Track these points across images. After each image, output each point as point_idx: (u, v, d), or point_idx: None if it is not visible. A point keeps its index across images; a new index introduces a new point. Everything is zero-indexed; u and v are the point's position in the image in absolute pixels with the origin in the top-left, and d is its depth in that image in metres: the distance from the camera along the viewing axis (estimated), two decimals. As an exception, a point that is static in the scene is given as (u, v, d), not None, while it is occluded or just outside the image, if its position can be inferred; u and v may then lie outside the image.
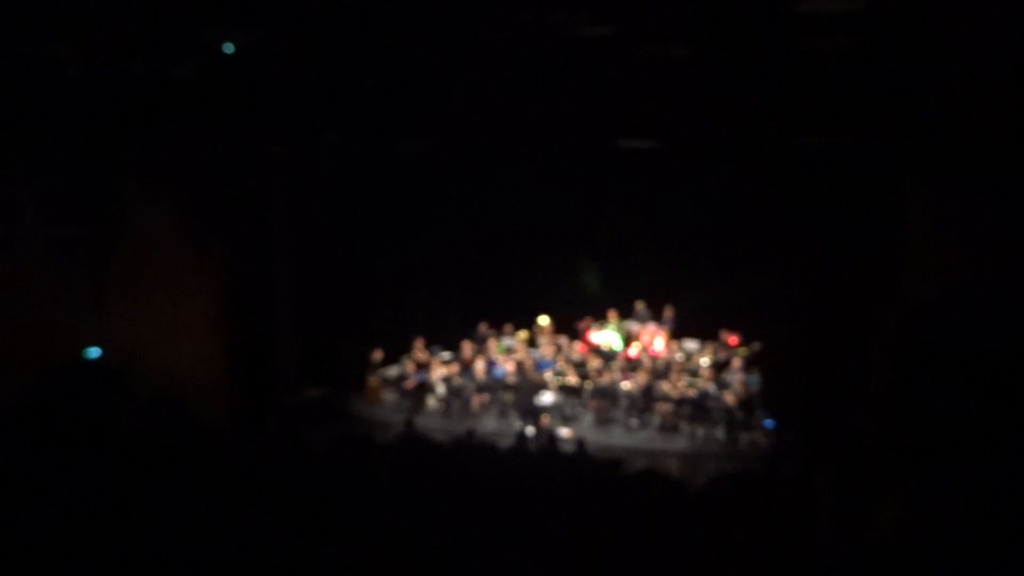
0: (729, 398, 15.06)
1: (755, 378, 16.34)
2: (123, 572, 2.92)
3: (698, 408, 15.25)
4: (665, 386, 15.91)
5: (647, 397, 15.82)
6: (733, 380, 16.08)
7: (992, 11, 8.53)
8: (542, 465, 6.77)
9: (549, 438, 12.03)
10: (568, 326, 20.50)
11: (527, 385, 15.45)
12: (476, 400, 16.45)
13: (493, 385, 16.62)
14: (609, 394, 16.05)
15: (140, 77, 11.17)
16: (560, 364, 17.35)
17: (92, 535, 2.85)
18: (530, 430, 14.90)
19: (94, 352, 11.96)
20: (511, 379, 16.28)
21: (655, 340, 20.29)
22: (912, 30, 9.38)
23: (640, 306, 20.75)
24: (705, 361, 17.50)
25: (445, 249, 20.65)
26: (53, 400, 3.25)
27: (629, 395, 15.98)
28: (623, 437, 15.42)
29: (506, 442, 13.43)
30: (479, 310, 21.07)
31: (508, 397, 16.22)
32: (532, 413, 14.98)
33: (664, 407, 15.60)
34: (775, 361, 15.34)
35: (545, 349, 19.12)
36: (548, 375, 16.63)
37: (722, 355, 18.29)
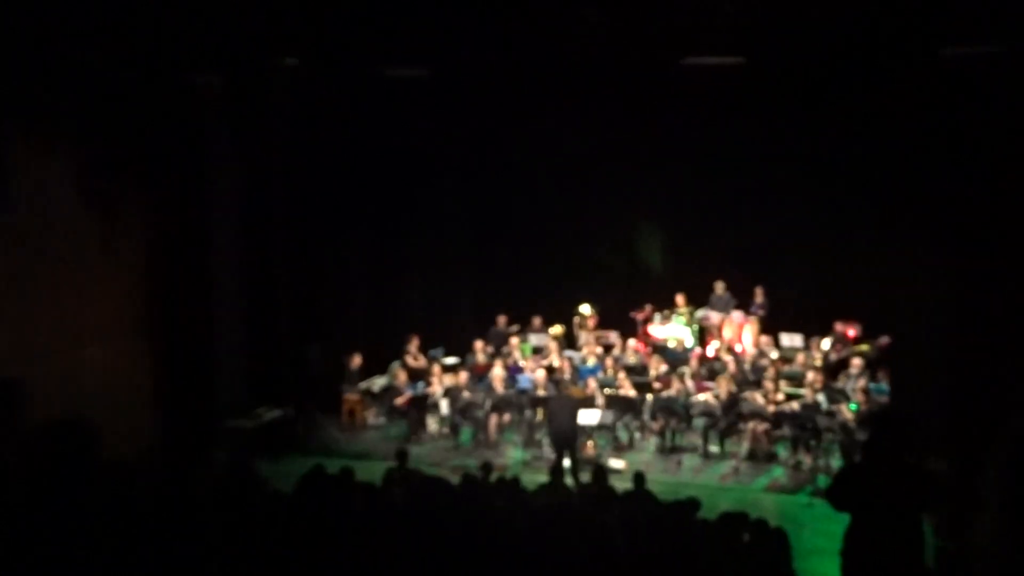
0: (846, 413, 14.97)
1: (881, 386, 16.21)
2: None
3: (803, 428, 15.18)
4: (756, 397, 15.85)
5: (731, 413, 15.77)
6: (852, 389, 15.98)
7: None
8: (587, 512, 6.76)
9: (596, 473, 11.99)
10: (619, 317, 20.47)
11: (563, 399, 15.42)
12: (493, 421, 16.47)
13: (516, 400, 16.62)
14: (678, 409, 16.02)
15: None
16: (609, 369, 17.34)
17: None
18: (568, 462, 14.89)
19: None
20: (541, 391, 16.27)
21: (742, 334, 20.20)
22: None
23: (720, 288, 20.65)
24: (812, 363, 17.42)
25: (447, 215, 20.63)
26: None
27: (706, 410, 15.94)
28: (699, 469, 15.39)
29: (536, 479, 13.41)
30: (495, 298, 21.04)
31: (538, 416, 16.22)
32: (571, 438, 14.96)
33: (755, 426, 15.54)
34: (911, 363, 15.18)
35: (588, 349, 19.10)
36: (592, 385, 16.62)
37: (836, 354, 18.19)
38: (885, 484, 6.47)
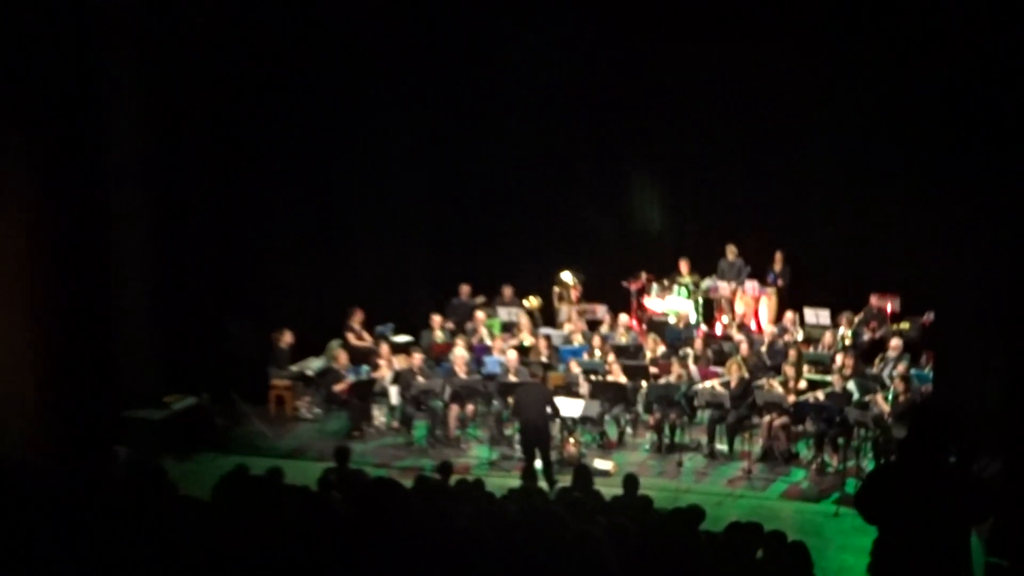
0: (882, 405, 15.07)
1: (925, 372, 16.31)
2: None
3: (829, 422, 15.27)
4: (774, 385, 15.92)
5: (743, 404, 15.83)
6: (889, 375, 16.08)
7: None
8: (568, 522, 6.76)
9: (578, 475, 12.06)
10: (609, 287, 20.46)
11: (533, 387, 15.44)
12: (453, 413, 16.49)
13: (482, 387, 16.63)
14: (679, 400, 16.07)
15: None
16: (596, 350, 17.37)
17: None
18: (540, 463, 14.93)
19: None
20: (512, 376, 16.29)
21: (757, 309, 20.23)
22: None
23: (731, 252, 20.64)
24: (842, 344, 17.52)
25: (399, 162, 20.46)
26: None
27: (713, 401, 16.00)
28: (703, 472, 15.46)
29: (505, 483, 13.43)
30: (457, 263, 20.94)
31: (507, 407, 16.25)
32: (542, 433, 15.00)
33: (772, 420, 15.62)
34: (959, 344, 15.30)
35: (570, 326, 19.07)
36: (575, 369, 16.66)
37: (871, 334, 18.31)
38: (925, 490, 6.48)
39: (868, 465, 14.93)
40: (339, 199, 19.72)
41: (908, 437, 6.72)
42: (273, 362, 17.84)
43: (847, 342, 17.55)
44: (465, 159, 20.74)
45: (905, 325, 17.79)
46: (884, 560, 6.65)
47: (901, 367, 16.08)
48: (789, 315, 18.69)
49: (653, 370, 16.91)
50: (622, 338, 18.25)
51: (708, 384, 16.19)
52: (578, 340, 18.03)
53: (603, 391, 16.14)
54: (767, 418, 15.64)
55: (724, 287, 19.86)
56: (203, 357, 17.21)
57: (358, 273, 19.94)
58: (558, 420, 15.32)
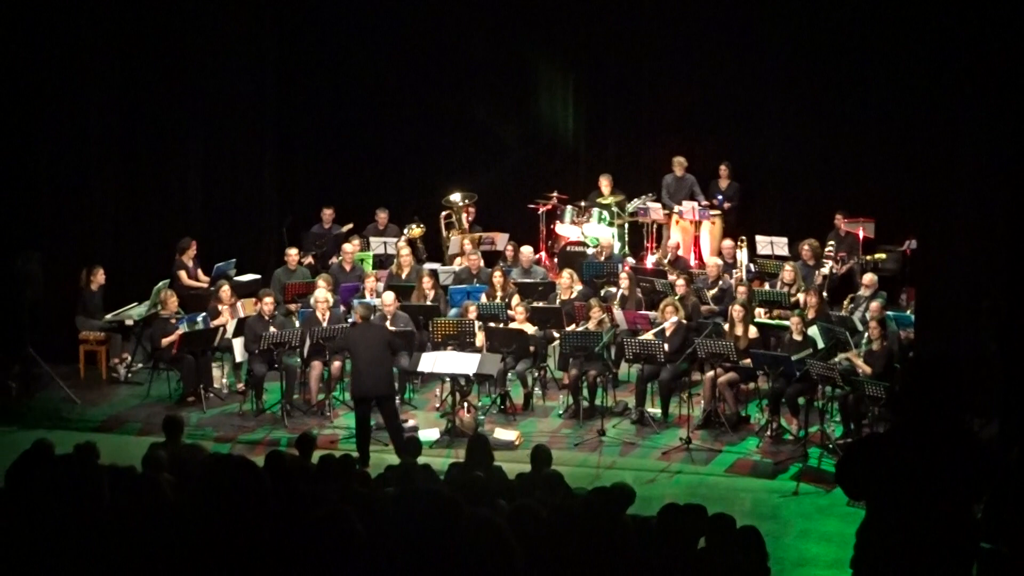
0: (852, 356, 15.27)
1: (907, 314, 16.53)
2: None
3: (787, 378, 15.46)
4: (719, 333, 16.07)
5: (681, 356, 15.95)
6: (861, 318, 16.28)
7: None
8: (463, 509, 6.79)
9: (475, 448, 12.12)
10: (511, 211, 20.52)
11: (369, 330, 15.41)
12: (315, 371, 16.46)
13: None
14: (601, 352, 16.16)
15: None
16: (498, 291, 17.37)
17: None
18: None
19: None
20: (390, 324, 16.30)
21: (698, 236, 20.30)
22: None
23: (679, 166, 20.47)
24: (803, 275, 17.65)
25: (237, 50, 20.14)
26: None
27: (643, 353, 16.09)
28: (631, 441, 15.59)
29: (383, 459, 13.41)
30: (317, 182, 20.81)
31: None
32: (387, 384, 14.98)
33: (717, 376, 15.77)
34: (949, 280, 15.54)
35: (463, 259, 19.06)
36: (472, 312, 16.68)
37: (839, 265, 18.46)
38: (932, 460, 6.47)
39: (835, 431, 15.19)
40: (162, 96, 19.33)
41: (904, 396, 6.74)
42: (82, 309, 17.62)
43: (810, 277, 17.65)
44: (325, 45, 20.49)
45: (881, 256, 17.98)
46: (874, 550, 6.67)
47: (875, 307, 16.22)
48: (727, 243, 18.74)
49: (568, 315, 16.93)
50: (527, 273, 18.24)
51: (643, 332, 16.23)
52: (470, 275, 18.03)
53: (504, 342, 16.16)
54: (710, 374, 15.78)
55: (656, 209, 19.88)
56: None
57: (189, 195, 19.70)
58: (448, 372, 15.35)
